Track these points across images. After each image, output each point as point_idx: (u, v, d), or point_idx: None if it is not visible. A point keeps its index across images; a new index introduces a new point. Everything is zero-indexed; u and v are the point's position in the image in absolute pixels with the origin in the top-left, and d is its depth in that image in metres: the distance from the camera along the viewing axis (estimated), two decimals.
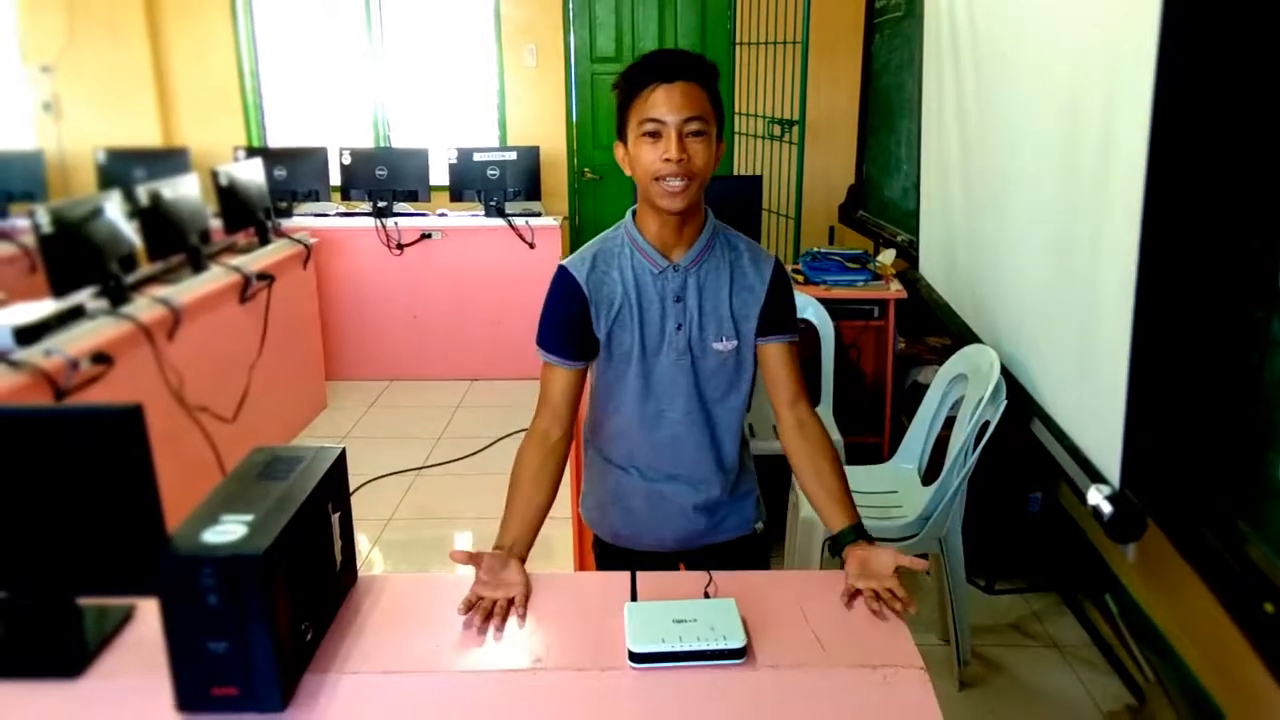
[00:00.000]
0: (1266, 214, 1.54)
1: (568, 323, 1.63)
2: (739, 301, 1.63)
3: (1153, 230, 1.70)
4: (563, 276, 1.64)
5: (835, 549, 1.54)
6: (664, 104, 1.47)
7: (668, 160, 1.48)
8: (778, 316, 1.65)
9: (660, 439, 1.68)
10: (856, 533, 1.52)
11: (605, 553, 1.85)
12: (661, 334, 1.62)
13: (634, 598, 1.41)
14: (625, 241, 1.64)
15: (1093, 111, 2.01)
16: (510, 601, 1.43)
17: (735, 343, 1.64)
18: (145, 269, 3.43)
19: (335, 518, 1.42)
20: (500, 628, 1.39)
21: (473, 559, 1.45)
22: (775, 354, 1.66)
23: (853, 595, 1.45)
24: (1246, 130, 1.57)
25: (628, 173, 1.56)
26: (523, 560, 1.52)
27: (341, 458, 1.44)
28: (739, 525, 1.78)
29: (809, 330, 3.37)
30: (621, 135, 1.56)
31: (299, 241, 4.55)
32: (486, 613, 1.41)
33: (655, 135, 1.49)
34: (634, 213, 1.65)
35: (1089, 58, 2.04)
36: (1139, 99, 1.71)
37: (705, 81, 1.51)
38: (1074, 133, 2.12)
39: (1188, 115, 1.63)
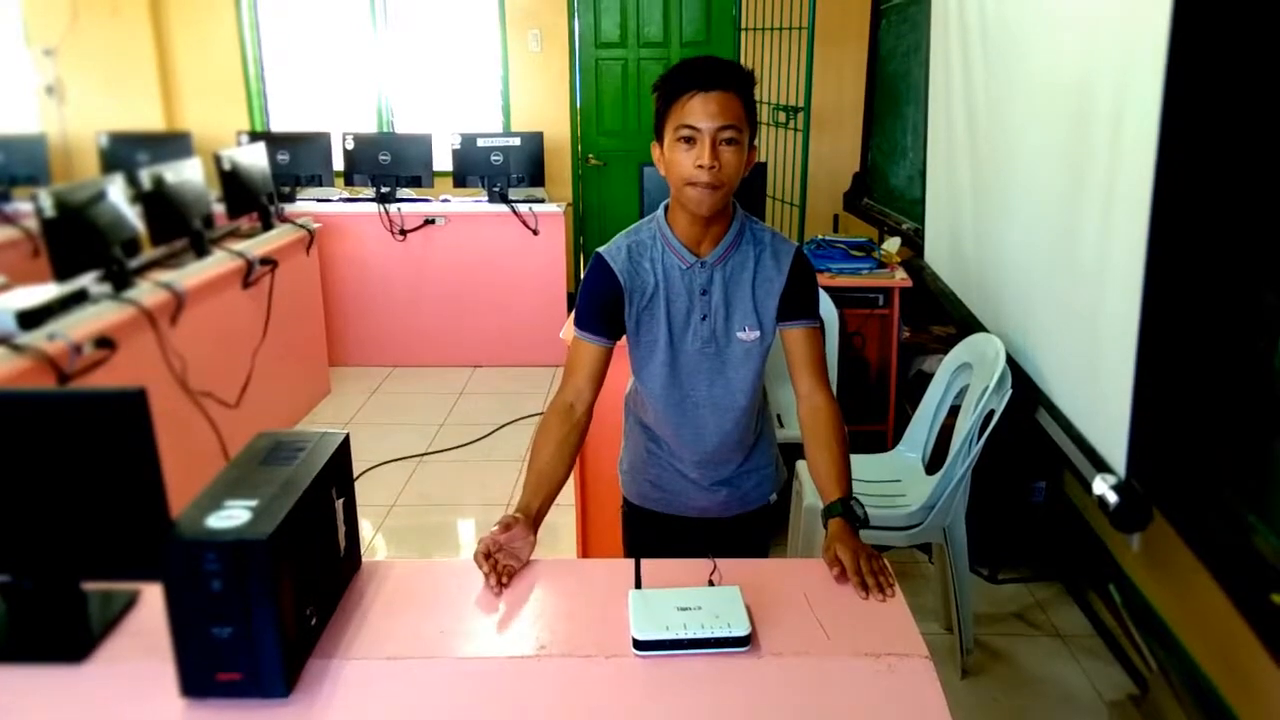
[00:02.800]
0: (1277, 201, 1.53)
1: (603, 303, 1.70)
2: (761, 292, 1.70)
3: (1162, 217, 1.69)
4: (600, 263, 1.71)
5: (823, 522, 1.60)
6: (700, 112, 1.53)
7: (700, 166, 1.54)
8: (798, 302, 1.71)
9: (685, 422, 1.77)
10: (842, 506, 1.57)
11: (631, 512, 1.94)
12: (687, 324, 1.70)
13: (638, 585, 1.40)
14: (657, 235, 1.71)
15: (1102, 98, 1.99)
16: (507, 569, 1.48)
17: (759, 333, 1.71)
18: (148, 253, 3.42)
19: (339, 503, 1.42)
20: (504, 589, 1.45)
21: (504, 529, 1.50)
22: (796, 339, 1.72)
23: (840, 572, 1.47)
24: (1258, 116, 1.56)
25: (663, 174, 1.63)
26: (537, 524, 1.57)
27: (345, 443, 1.44)
28: (758, 498, 1.88)
29: None
30: (659, 137, 1.62)
31: (302, 226, 4.54)
32: (494, 567, 1.46)
33: (690, 141, 1.55)
34: (666, 208, 1.71)
35: (1099, 43, 2.02)
36: (1149, 86, 1.70)
37: (741, 91, 1.56)
38: (1083, 119, 2.10)
39: (1198, 100, 1.62)
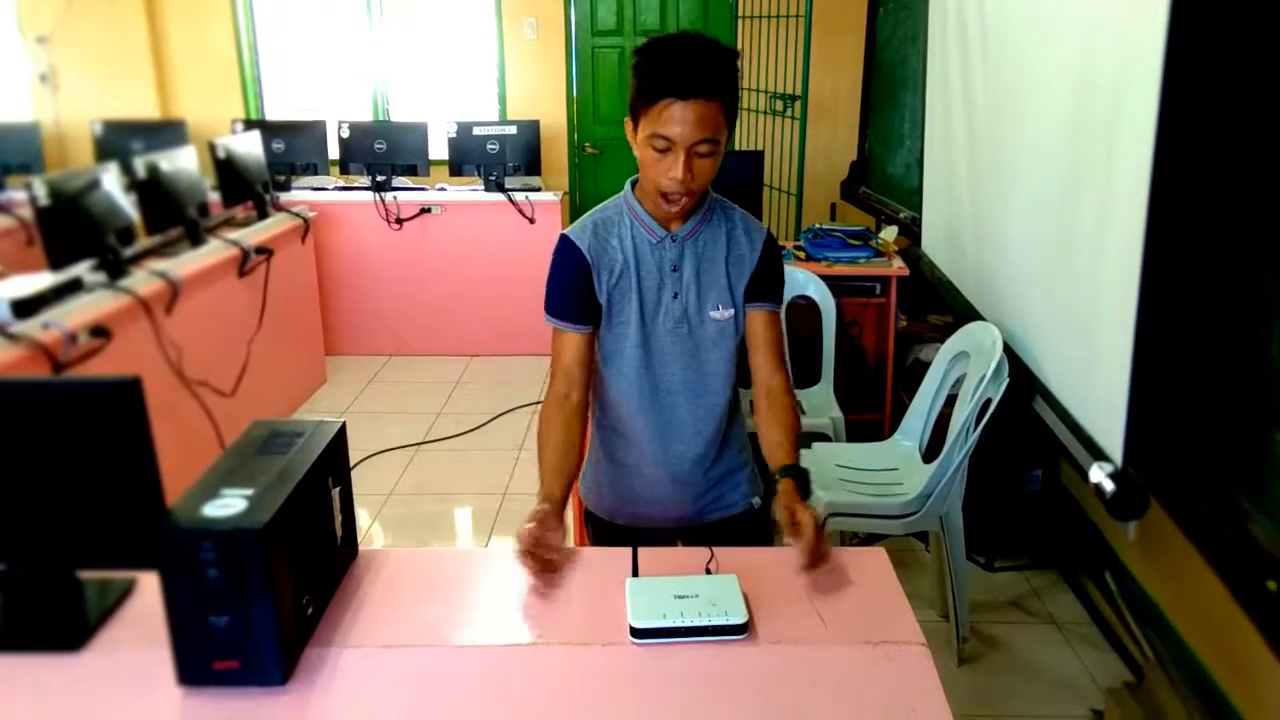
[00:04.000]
0: (1275, 189, 1.52)
1: (572, 287, 1.66)
2: (735, 271, 1.66)
3: (1160, 205, 1.69)
4: (565, 244, 1.67)
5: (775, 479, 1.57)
6: (677, 123, 1.46)
7: (673, 178, 1.49)
8: (764, 285, 1.68)
9: (658, 411, 1.70)
10: (795, 470, 1.55)
11: (598, 528, 1.86)
12: (659, 302, 1.65)
13: (635, 574, 1.40)
14: (625, 211, 1.67)
15: (1101, 84, 1.98)
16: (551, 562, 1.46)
17: (732, 311, 1.66)
18: (143, 242, 3.41)
19: (335, 492, 1.41)
20: (553, 576, 1.44)
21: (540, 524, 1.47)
22: (759, 321, 1.68)
23: (793, 525, 1.44)
24: (1256, 105, 1.55)
25: (636, 153, 1.57)
26: (562, 509, 1.54)
27: (342, 432, 1.44)
28: (736, 501, 1.80)
29: (810, 307, 3.36)
30: (634, 116, 1.55)
31: (297, 215, 4.52)
32: (539, 562, 1.43)
33: (664, 150, 1.49)
34: (634, 183, 1.66)
35: (1098, 30, 2.01)
36: (1149, 72, 1.69)
37: (723, 95, 1.48)
38: (1082, 107, 2.09)
39: (1197, 87, 1.62)
